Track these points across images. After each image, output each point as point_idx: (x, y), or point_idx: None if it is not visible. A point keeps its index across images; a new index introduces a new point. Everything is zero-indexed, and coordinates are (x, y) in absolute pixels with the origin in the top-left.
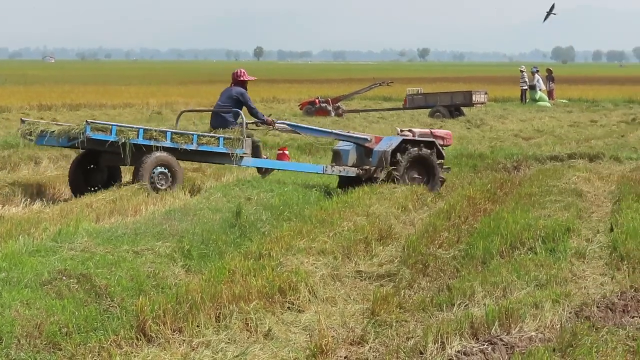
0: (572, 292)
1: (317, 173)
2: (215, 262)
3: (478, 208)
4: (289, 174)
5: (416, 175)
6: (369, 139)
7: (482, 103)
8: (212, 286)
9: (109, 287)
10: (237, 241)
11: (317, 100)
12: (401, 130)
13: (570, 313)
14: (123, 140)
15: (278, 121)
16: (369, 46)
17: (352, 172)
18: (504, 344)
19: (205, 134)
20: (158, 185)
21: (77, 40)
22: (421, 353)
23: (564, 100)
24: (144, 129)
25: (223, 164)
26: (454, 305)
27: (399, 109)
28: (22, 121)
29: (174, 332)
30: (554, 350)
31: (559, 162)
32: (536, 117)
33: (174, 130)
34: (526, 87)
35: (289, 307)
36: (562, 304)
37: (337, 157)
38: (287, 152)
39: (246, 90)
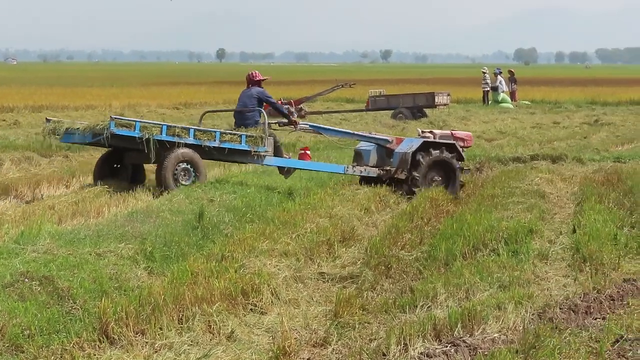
0: (535, 294)
1: (338, 173)
2: (178, 264)
3: (441, 209)
4: (252, 176)
5: (436, 177)
6: (390, 140)
7: (444, 104)
8: (174, 288)
9: (72, 289)
10: (200, 243)
11: (279, 102)
12: (422, 132)
13: (533, 315)
14: (147, 137)
15: (301, 122)
16: (331, 48)
17: (374, 172)
18: (466, 346)
19: (228, 131)
20: (182, 181)
21: (39, 42)
22: (384, 355)
23: (526, 102)
24: (168, 126)
25: (245, 162)
26: (417, 307)
27: (361, 110)
28: (47, 120)
29: (137, 334)
30: (516, 351)
31: (522, 163)
32: (499, 119)
33: (197, 127)
34: (488, 89)
35: (251, 309)
36: (524, 305)
37: (359, 158)
38: (308, 152)
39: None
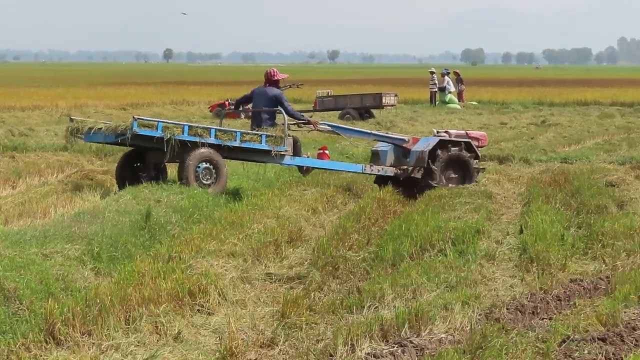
0: (482, 294)
1: (356, 172)
2: (125, 265)
3: (388, 210)
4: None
5: (452, 175)
6: (406, 140)
7: (392, 105)
8: (121, 289)
9: (18, 290)
10: (147, 244)
11: (226, 103)
12: (438, 132)
13: (480, 315)
14: (168, 137)
15: (320, 122)
16: (278, 48)
17: (391, 171)
18: (413, 346)
19: (248, 131)
20: (203, 181)
21: None
22: (331, 355)
23: (473, 102)
24: (189, 126)
25: (265, 162)
26: (364, 307)
27: (308, 111)
28: (71, 119)
29: (84, 335)
30: (463, 352)
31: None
32: (446, 120)
33: (218, 128)
34: (436, 90)
35: (198, 310)
36: (471, 306)
37: (376, 157)
38: (327, 151)
39: (279, 87)
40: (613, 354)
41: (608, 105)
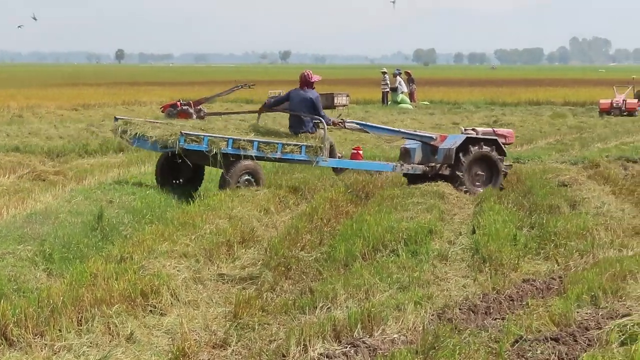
0: (435, 295)
1: (387, 171)
2: (77, 266)
3: (340, 210)
4: (151, 177)
5: (479, 172)
6: (434, 138)
7: (344, 105)
8: (73, 290)
9: None
10: (99, 244)
11: (178, 103)
12: (465, 129)
13: (432, 315)
14: (214, 151)
15: (347, 120)
16: (230, 48)
17: (420, 169)
18: (366, 347)
19: (290, 142)
20: (242, 188)
21: None
22: (284, 356)
23: (425, 102)
24: (233, 139)
25: (302, 163)
26: (317, 307)
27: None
28: (116, 119)
29: (36, 336)
30: (416, 352)
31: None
32: (398, 120)
33: (260, 140)
34: (388, 90)
35: (151, 311)
36: (424, 306)
37: (406, 155)
38: (360, 151)
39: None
40: (566, 354)
41: (560, 105)
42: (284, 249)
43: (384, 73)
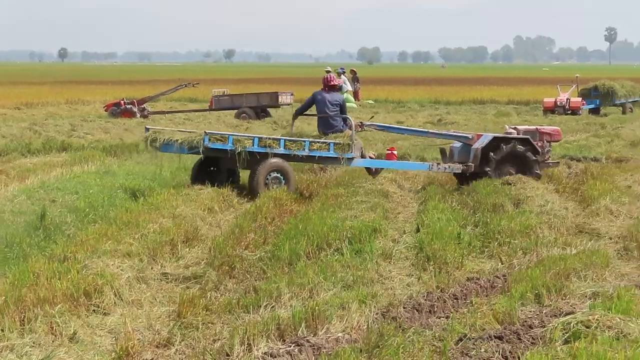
0: (379, 293)
1: (424, 171)
2: (19, 265)
3: (284, 209)
4: (95, 177)
5: (512, 171)
6: (470, 137)
7: (288, 104)
8: (16, 289)
9: None
10: (42, 244)
11: (122, 102)
12: (508, 128)
13: (377, 314)
14: (239, 150)
15: (366, 123)
16: (174, 47)
17: (457, 168)
18: (310, 345)
19: (317, 140)
20: (272, 189)
21: None
22: (227, 355)
23: (370, 101)
24: (259, 138)
25: (333, 165)
26: (261, 306)
27: (205, 110)
28: (147, 129)
29: None
30: (360, 351)
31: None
32: None
33: (287, 138)
34: None
35: (94, 310)
36: (368, 305)
37: (450, 155)
38: (395, 151)
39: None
40: (510, 352)
41: (504, 104)
42: (227, 248)
43: (328, 72)
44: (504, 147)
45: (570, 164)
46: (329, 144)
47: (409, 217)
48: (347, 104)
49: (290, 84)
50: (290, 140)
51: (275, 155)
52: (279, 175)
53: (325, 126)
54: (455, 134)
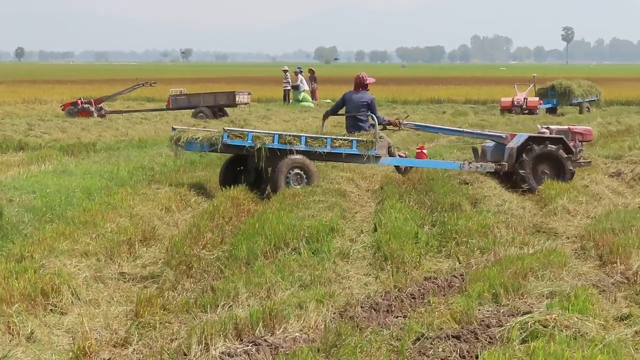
0: (336, 293)
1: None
2: None
3: (242, 209)
4: (52, 176)
5: (546, 171)
6: (504, 137)
7: (245, 103)
8: None
9: None
10: None
11: (79, 101)
12: (540, 128)
13: (334, 313)
14: (259, 146)
15: (404, 121)
16: (131, 46)
17: (490, 167)
18: (268, 345)
19: (339, 137)
20: (293, 185)
21: None
22: (185, 355)
23: (327, 101)
24: (279, 135)
25: (359, 163)
26: (218, 306)
27: (162, 109)
28: (173, 129)
29: None
30: (318, 350)
31: (323, 162)
32: (299, 118)
33: (308, 135)
34: (289, 88)
35: (51, 310)
36: (326, 304)
37: (482, 154)
38: (425, 150)
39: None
40: (467, 351)
41: (461, 104)
42: (185, 247)
43: (286, 71)
44: (539, 146)
45: None
46: (351, 141)
47: (366, 217)
48: (304, 103)
49: (248, 84)
50: (311, 137)
51: (297, 152)
52: (300, 172)
53: (353, 126)
54: (489, 133)
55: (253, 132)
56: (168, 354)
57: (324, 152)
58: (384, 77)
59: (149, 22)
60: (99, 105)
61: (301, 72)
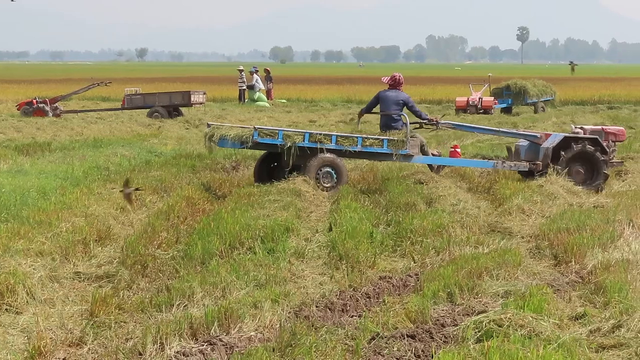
0: (292, 292)
1: (487, 169)
2: None
3: (197, 208)
4: (7, 176)
5: (580, 171)
6: (538, 136)
7: (200, 103)
8: None
9: None
10: None
11: (34, 101)
12: (575, 128)
13: (289, 313)
14: (289, 145)
15: (441, 121)
16: (86, 46)
17: (524, 166)
18: (223, 345)
19: (370, 136)
20: (323, 184)
21: None
22: (140, 354)
23: (282, 100)
24: (310, 133)
25: (390, 160)
26: (173, 305)
27: (117, 109)
28: (208, 125)
29: None
30: (273, 350)
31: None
32: (255, 117)
33: (338, 134)
34: (245, 87)
35: (6, 309)
36: (281, 303)
37: (516, 153)
38: (458, 149)
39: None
40: (422, 350)
41: (417, 103)
42: (140, 247)
43: (241, 71)
44: (574, 146)
45: None
46: (382, 140)
47: (321, 216)
48: (260, 103)
49: (203, 83)
50: (342, 136)
51: (327, 150)
52: (330, 170)
53: (387, 124)
54: (524, 132)
55: (284, 130)
56: (123, 353)
57: (354, 150)
58: (340, 77)
59: (105, 22)
60: (54, 105)
61: (257, 71)
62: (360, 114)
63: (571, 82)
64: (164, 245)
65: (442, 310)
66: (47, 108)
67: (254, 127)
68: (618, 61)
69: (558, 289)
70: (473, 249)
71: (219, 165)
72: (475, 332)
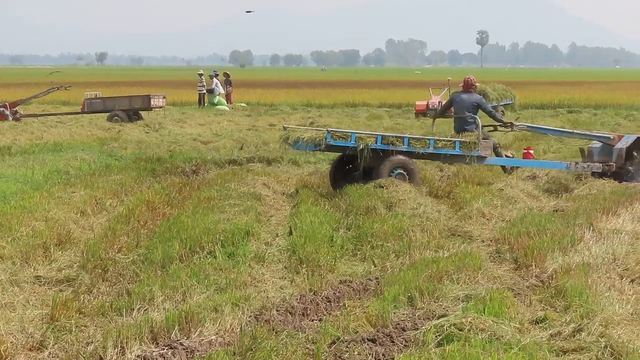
0: (252, 296)
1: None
2: None
3: (157, 212)
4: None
5: None
6: (611, 137)
7: (160, 107)
8: None
9: None
10: None
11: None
12: None
13: (250, 317)
14: (362, 147)
15: (517, 123)
16: (46, 50)
17: (597, 167)
18: (184, 348)
19: (442, 138)
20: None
21: None
22: (101, 358)
23: (242, 104)
24: (382, 136)
25: (462, 163)
26: (134, 309)
27: (77, 113)
28: (284, 128)
29: None
30: (234, 354)
31: (238, 165)
32: (215, 121)
33: (410, 136)
34: (204, 91)
35: None
36: (241, 307)
37: (589, 155)
38: (532, 151)
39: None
40: (383, 354)
41: (376, 107)
42: (100, 251)
43: (201, 75)
44: None
45: (443, 167)
46: (454, 142)
47: (281, 220)
48: (219, 107)
49: (163, 87)
50: (414, 139)
51: (399, 152)
52: (402, 172)
53: (460, 127)
54: (597, 134)
55: (356, 133)
56: (84, 357)
57: (426, 152)
58: (299, 81)
59: (64, 26)
60: (14, 109)
61: (216, 75)
62: (435, 117)
63: (531, 86)
64: (124, 249)
65: (403, 314)
66: (7, 112)
67: (327, 130)
68: (577, 65)
69: (518, 293)
70: (433, 253)
71: (179, 169)
72: (436, 336)
